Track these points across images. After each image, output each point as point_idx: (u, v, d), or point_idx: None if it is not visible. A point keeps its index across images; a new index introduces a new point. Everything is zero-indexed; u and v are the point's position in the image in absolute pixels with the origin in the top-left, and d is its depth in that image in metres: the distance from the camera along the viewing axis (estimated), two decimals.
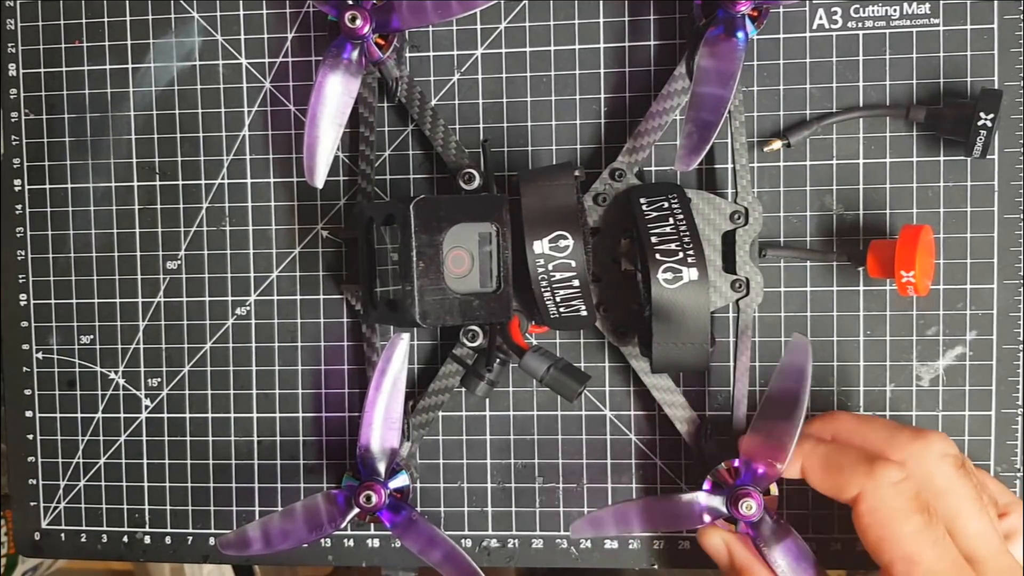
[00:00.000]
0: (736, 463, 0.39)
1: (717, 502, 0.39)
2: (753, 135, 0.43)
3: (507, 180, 0.44)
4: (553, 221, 0.38)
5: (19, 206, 0.48)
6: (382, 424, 0.41)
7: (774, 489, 0.40)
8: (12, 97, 0.48)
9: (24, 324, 0.48)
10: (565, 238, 0.38)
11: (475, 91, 0.45)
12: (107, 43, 0.47)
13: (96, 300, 0.48)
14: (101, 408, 0.48)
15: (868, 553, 0.35)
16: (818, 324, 0.44)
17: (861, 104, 0.43)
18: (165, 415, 0.47)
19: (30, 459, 0.48)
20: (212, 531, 0.47)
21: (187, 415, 0.47)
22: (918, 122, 0.42)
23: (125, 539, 0.48)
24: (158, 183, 0.47)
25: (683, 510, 0.39)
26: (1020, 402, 0.43)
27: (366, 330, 0.45)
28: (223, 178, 0.47)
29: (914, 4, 0.42)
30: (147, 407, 0.48)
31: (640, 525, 0.40)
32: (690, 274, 0.37)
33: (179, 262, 0.47)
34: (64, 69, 0.47)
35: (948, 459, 0.36)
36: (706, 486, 0.40)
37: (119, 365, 0.48)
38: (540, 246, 0.38)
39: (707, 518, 0.39)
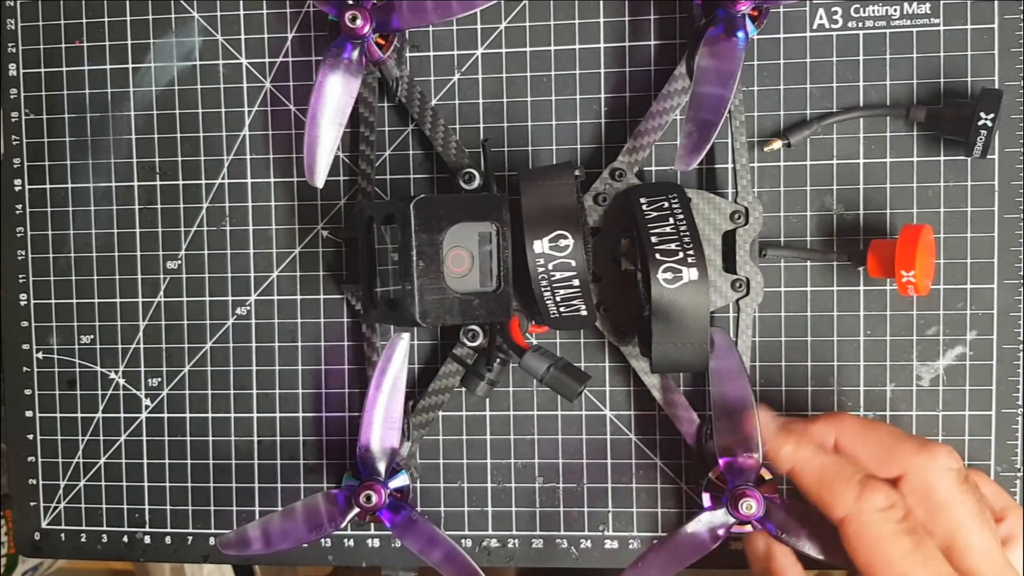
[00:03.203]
0: (721, 468, 0.39)
1: (721, 515, 0.39)
2: (753, 135, 0.43)
3: (507, 180, 0.44)
4: (553, 220, 0.38)
5: (19, 206, 0.48)
6: (382, 424, 0.41)
7: (766, 474, 0.40)
8: (12, 97, 0.48)
9: (24, 324, 0.48)
10: (565, 237, 0.38)
11: (475, 91, 0.45)
12: (107, 43, 0.47)
13: (96, 300, 0.48)
14: (101, 408, 0.48)
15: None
16: (818, 324, 0.44)
17: (861, 104, 0.43)
18: (165, 415, 0.47)
19: (30, 459, 0.48)
20: (212, 531, 0.47)
21: (187, 415, 0.47)
22: (918, 122, 0.42)
23: (125, 539, 0.48)
24: (158, 183, 0.47)
25: (696, 542, 0.39)
26: (1020, 402, 0.43)
27: (366, 330, 0.45)
28: (223, 178, 0.47)
29: (914, 4, 0.42)
30: (147, 407, 0.48)
31: (663, 574, 0.39)
32: (690, 274, 0.37)
33: (179, 262, 0.47)
34: (64, 69, 0.47)
35: (951, 473, 0.35)
36: (706, 503, 0.40)
37: (119, 365, 0.48)
38: (540, 245, 0.38)
39: (721, 533, 0.39)
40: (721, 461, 0.39)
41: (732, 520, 0.38)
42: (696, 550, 0.39)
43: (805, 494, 0.37)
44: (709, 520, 0.39)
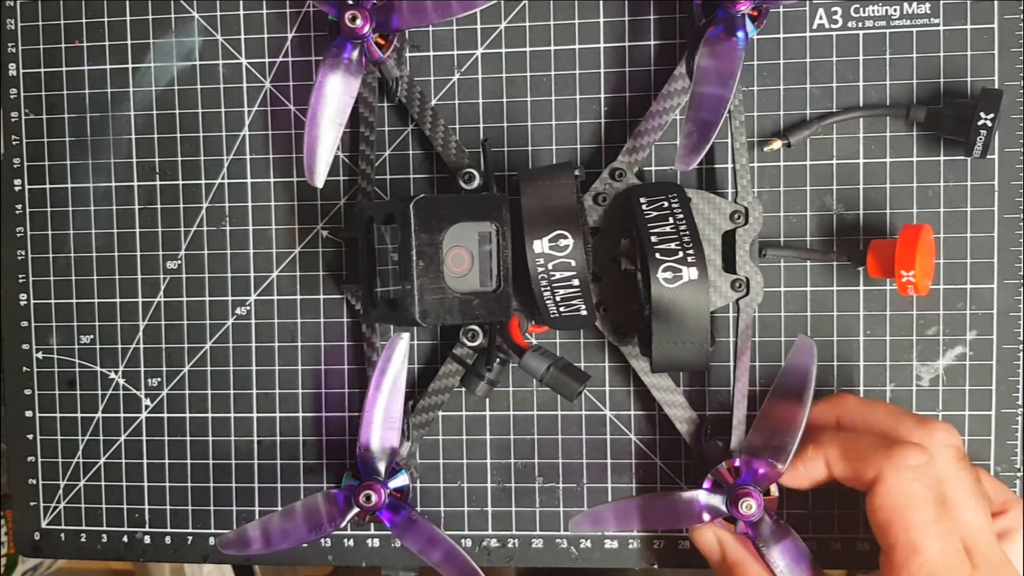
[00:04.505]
0: (737, 462, 0.39)
1: (717, 501, 0.39)
2: (753, 135, 0.43)
3: (507, 180, 0.44)
4: (553, 220, 0.38)
5: (19, 206, 0.48)
6: (382, 424, 0.41)
7: (774, 490, 0.40)
8: (12, 97, 0.48)
9: (24, 324, 0.48)
10: (565, 237, 0.38)
11: (475, 91, 0.45)
12: (107, 43, 0.47)
13: (96, 300, 0.48)
14: (101, 408, 0.48)
15: (874, 534, 0.35)
16: (818, 324, 0.44)
17: (861, 104, 0.43)
18: (165, 415, 0.47)
19: (30, 459, 0.48)
20: (212, 531, 0.47)
21: (187, 415, 0.47)
22: (918, 122, 0.42)
23: (125, 539, 0.48)
24: (158, 183, 0.47)
25: (683, 508, 0.39)
26: (1020, 402, 0.43)
27: (366, 330, 0.45)
28: (223, 178, 0.47)
29: (914, 4, 0.42)
30: (147, 407, 0.48)
31: (640, 522, 0.40)
32: (690, 274, 0.37)
33: (179, 262, 0.47)
34: (64, 69, 0.47)
35: (950, 449, 0.36)
36: (706, 485, 0.40)
37: (119, 365, 0.48)
38: (540, 245, 0.38)
39: (707, 517, 0.39)
40: (743, 457, 0.39)
41: (724, 511, 0.39)
42: (679, 516, 0.40)
43: (835, 475, 0.37)
44: (705, 498, 0.39)
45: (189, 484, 0.47)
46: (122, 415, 0.48)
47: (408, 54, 0.45)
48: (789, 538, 0.38)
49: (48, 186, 0.48)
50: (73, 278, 0.48)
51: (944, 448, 0.36)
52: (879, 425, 0.37)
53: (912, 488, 0.34)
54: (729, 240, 0.42)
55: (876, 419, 0.38)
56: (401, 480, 0.43)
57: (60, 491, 0.48)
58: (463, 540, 0.46)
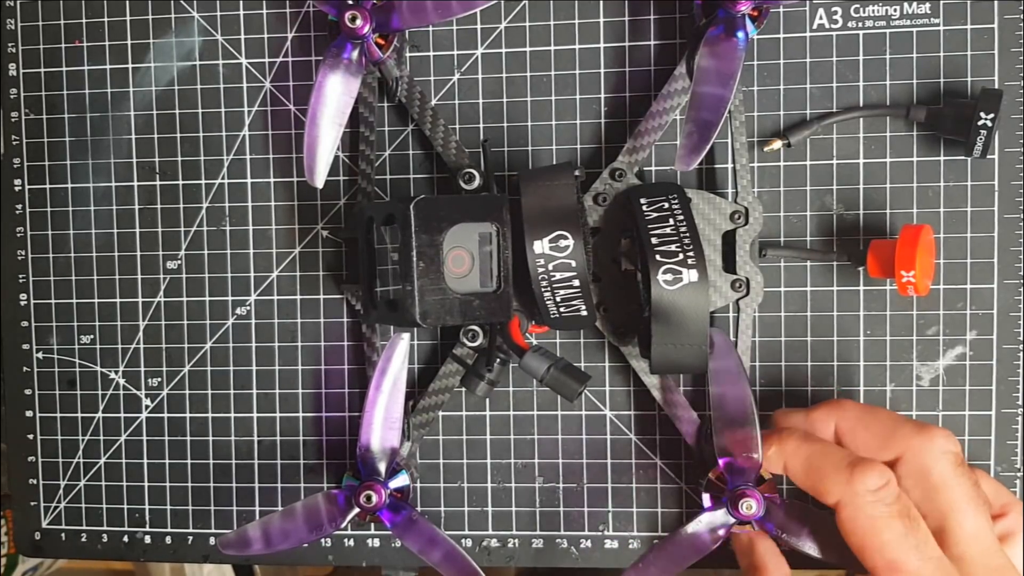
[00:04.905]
0: (720, 469, 0.39)
1: (721, 516, 0.39)
2: (753, 135, 0.43)
3: (507, 180, 0.44)
4: (553, 221, 0.38)
5: (19, 206, 0.48)
6: (382, 424, 0.41)
7: (766, 474, 0.40)
8: (12, 97, 0.48)
9: (24, 324, 0.48)
10: (565, 238, 0.38)
11: (475, 91, 0.45)
12: (107, 43, 0.47)
13: (96, 300, 0.48)
14: (101, 408, 0.48)
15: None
16: (818, 324, 0.44)
17: (861, 104, 0.43)
18: (165, 415, 0.48)
19: (30, 459, 0.48)
20: (212, 531, 0.47)
21: (187, 415, 0.47)
22: (918, 122, 0.42)
23: (125, 539, 0.48)
24: (158, 183, 0.47)
25: (697, 541, 0.39)
26: (1020, 402, 0.43)
27: (366, 330, 0.45)
28: (223, 178, 0.47)
29: (914, 4, 0.42)
30: (147, 407, 0.48)
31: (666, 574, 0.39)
32: (690, 276, 0.37)
33: (179, 262, 0.47)
34: (64, 69, 0.47)
35: (948, 456, 0.36)
36: (707, 504, 0.40)
37: (119, 365, 0.48)
38: (540, 246, 0.38)
39: (722, 533, 0.39)
40: (721, 461, 0.39)
41: (732, 520, 0.38)
42: (696, 550, 0.39)
43: (799, 486, 0.37)
44: (709, 520, 0.39)
45: (189, 484, 0.47)
46: (122, 415, 0.48)
47: (408, 54, 0.45)
48: (807, 517, 0.38)
49: (48, 186, 0.48)
50: (73, 278, 0.48)
51: (943, 455, 0.36)
52: (878, 430, 0.37)
53: (875, 511, 0.34)
54: (729, 240, 0.42)
55: (874, 425, 0.37)
56: (401, 480, 0.43)
57: (60, 491, 0.48)
58: (463, 540, 0.46)
